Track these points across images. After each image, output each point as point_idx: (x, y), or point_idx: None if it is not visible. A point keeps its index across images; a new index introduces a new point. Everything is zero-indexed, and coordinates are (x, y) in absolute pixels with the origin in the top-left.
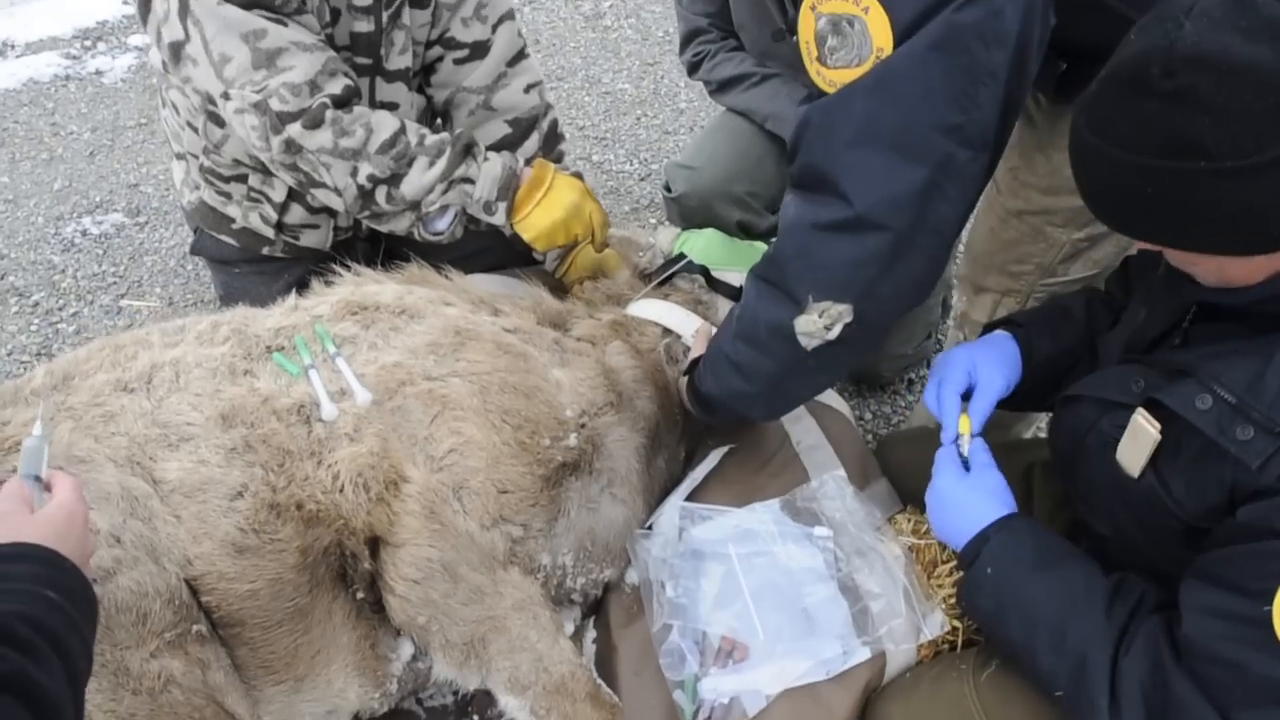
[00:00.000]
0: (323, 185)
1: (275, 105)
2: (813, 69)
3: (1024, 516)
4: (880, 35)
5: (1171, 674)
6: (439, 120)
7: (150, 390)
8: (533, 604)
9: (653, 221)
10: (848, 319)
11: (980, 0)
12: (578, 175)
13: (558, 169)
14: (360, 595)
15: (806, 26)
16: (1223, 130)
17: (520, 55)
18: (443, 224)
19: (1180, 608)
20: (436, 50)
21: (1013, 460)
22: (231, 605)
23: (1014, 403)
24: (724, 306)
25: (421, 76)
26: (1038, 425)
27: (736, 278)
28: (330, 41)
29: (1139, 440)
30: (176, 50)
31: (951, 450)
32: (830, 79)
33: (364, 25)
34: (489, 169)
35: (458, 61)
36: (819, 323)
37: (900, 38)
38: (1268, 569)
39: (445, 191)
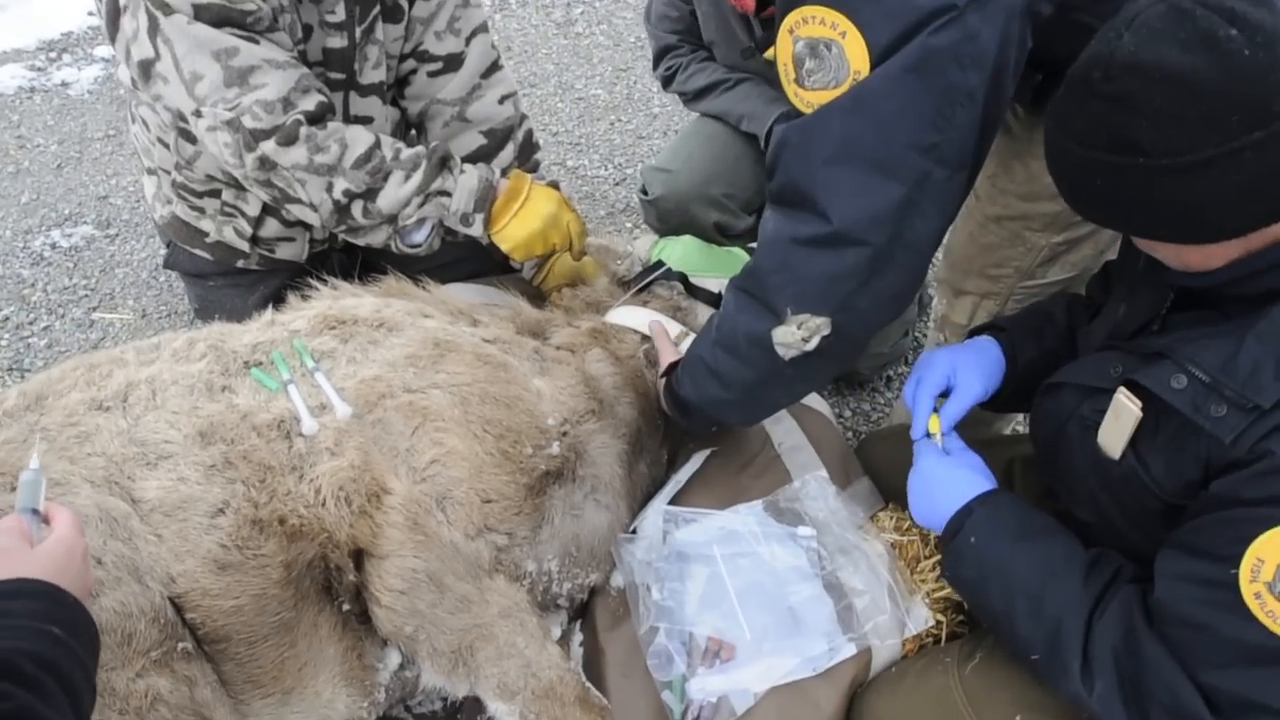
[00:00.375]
0: (298, 201)
1: (248, 123)
2: (790, 90)
3: (1006, 491)
4: (857, 59)
5: (1143, 638)
6: (413, 132)
7: (126, 409)
8: (519, 610)
9: (628, 226)
10: (825, 331)
11: (955, 24)
12: (554, 185)
13: (534, 179)
14: (346, 607)
15: (784, 49)
16: (1158, 132)
17: (494, 67)
18: (420, 236)
19: (1154, 577)
20: (410, 63)
21: (994, 456)
22: (216, 621)
23: (997, 404)
24: (703, 312)
25: (395, 89)
26: (1016, 422)
27: (715, 284)
28: (302, 58)
29: (1121, 419)
30: (146, 68)
31: (926, 441)
32: (808, 100)
33: (337, 41)
34: (465, 181)
35: (431, 74)
36: (797, 334)
37: (876, 61)
38: (1236, 535)
39: (422, 205)
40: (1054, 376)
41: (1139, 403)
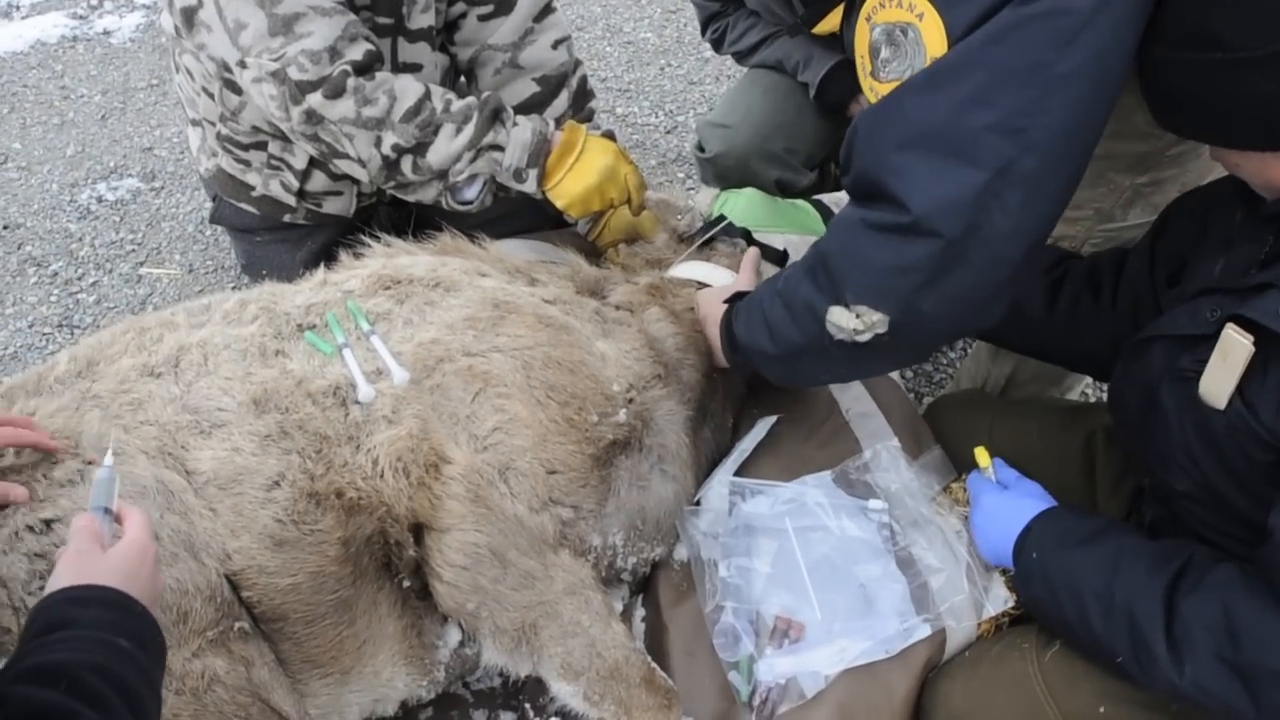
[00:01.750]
0: (345, 156)
1: (294, 74)
2: (866, 85)
3: (1064, 505)
4: (935, 43)
5: (1244, 609)
6: (463, 79)
7: (178, 374)
8: (584, 587)
9: (681, 176)
10: (880, 329)
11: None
12: (609, 135)
13: (589, 130)
14: (406, 584)
15: (861, 40)
16: (1239, 22)
17: (547, 9)
18: (471, 193)
19: (1267, 538)
20: (460, 6)
21: (1073, 427)
22: (273, 600)
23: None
24: (767, 270)
25: (444, 34)
26: (1086, 385)
27: (779, 240)
28: (349, 3)
29: (1230, 359)
30: (189, 15)
31: (979, 476)
32: (883, 94)
33: None
34: (518, 134)
35: (482, 18)
36: (852, 322)
37: (955, 43)
38: None
39: (474, 160)
40: (1141, 334)
41: (1251, 336)
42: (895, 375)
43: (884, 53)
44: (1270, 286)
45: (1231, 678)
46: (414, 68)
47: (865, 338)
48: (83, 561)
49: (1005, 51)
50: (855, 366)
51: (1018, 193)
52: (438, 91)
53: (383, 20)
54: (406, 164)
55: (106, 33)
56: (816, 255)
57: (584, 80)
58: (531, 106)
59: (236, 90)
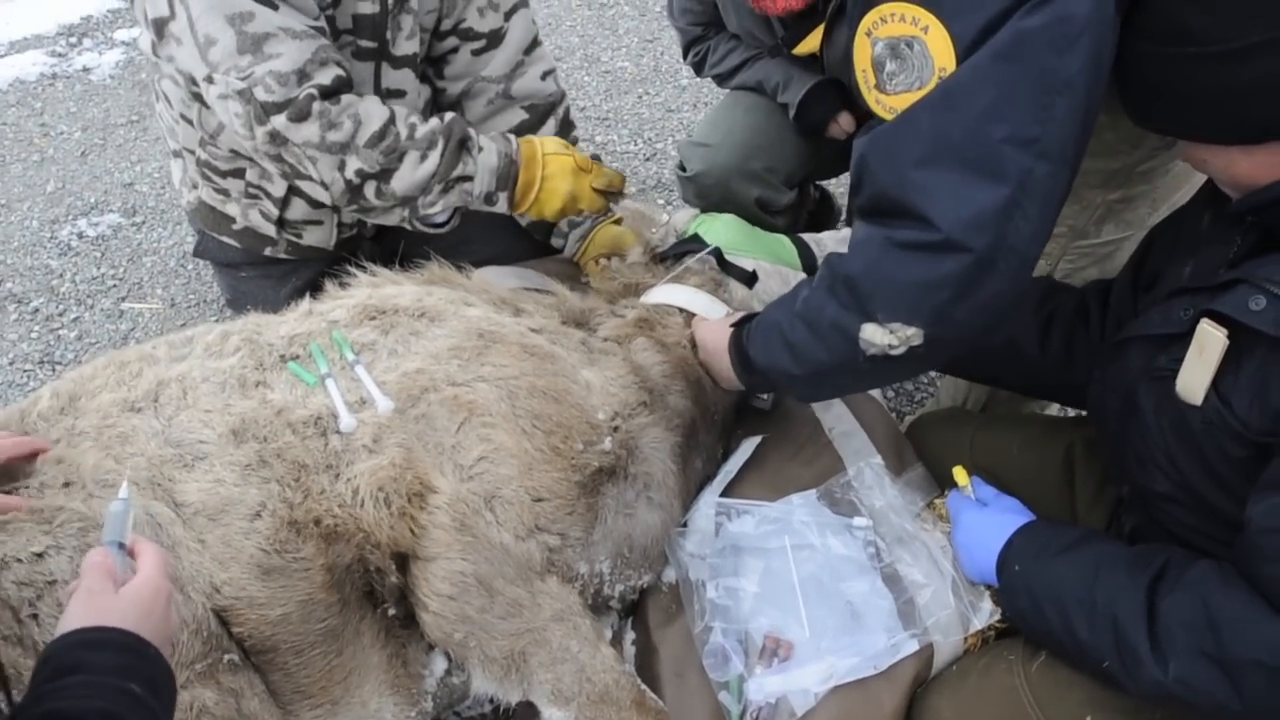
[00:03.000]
0: (309, 178)
1: (260, 95)
2: (871, 98)
3: (1043, 518)
4: (942, 55)
5: (1221, 603)
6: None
7: (158, 409)
8: (572, 614)
9: (660, 202)
10: (916, 343)
11: (1046, 5)
12: (596, 158)
13: (548, 150)
14: (391, 612)
15: (862, 54)
16: (1206, 17)
17: (535, 43)
18: (441, 218)
19: (1244, 529)
20: (451, 41)
21: (1052, 440)
22: (264, 631)
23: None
24: (737, 290)
25: (432, 68)
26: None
27: (750, 262)
28: (331, 24)
29: (1206, 353)
30: (161, 27)
31: (958, 495)
32: (891, 106)
33: (368, 7)
34: (485, 160)
35: (475, 52)
36: (886, 339)
37: (963, 55)
38: None
39: (444, 193)
40: (1118, 335)
41: (1224, 330)
42: (877, 394)
43: (889, 66)
44: (1241, 282)
45: (1215, 671)
46: (398, 94)
47: (900, 351)
48: (95, 601)
49: (1015, 64)
50: (885, 377)
51: (1037, 199)
52: (402, 115)
53: (365, 44)
54: (370, 189)
55: (86, 70)
56: (835, 277)
57: (568, 110)
58: (519, 132)
59: None
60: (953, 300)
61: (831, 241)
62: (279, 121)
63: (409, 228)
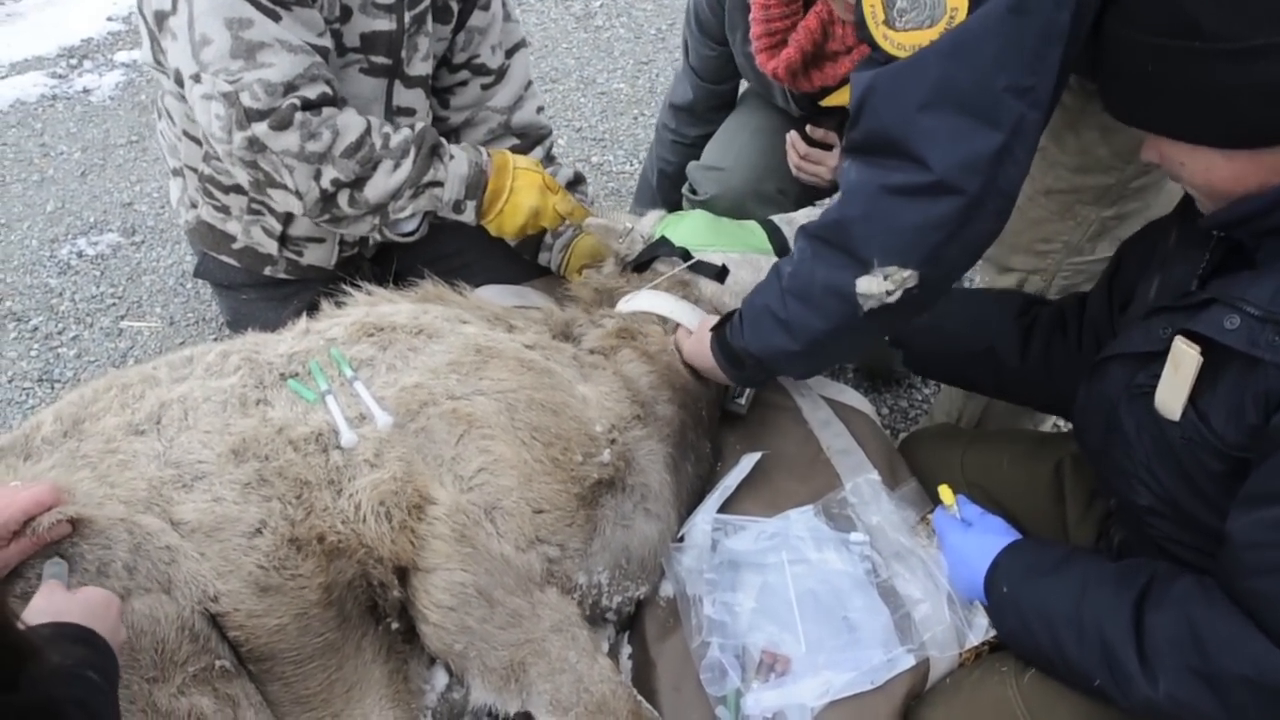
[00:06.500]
0: (282, 187)
1: (246, 100)
2: (879, 33)
3: (1030, 537)
4: None
5: (1205, 619)
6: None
7: (160, 431)
8: (571, 624)
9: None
10: (911, 284)
11: None
12: (579, 177)
13: (520, 165)
14: (395, 626)
15: None
16: (1219, 12)
17: (529, 83)
18: (410, 225)
19: (1225, 544)
20: (463, 74)
21: (1041, 456)
22: (260, 640)
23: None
24: (706, 286)
25: (436, 99)
26: (1056, 418)
27: (718, 257)
28: (336, 38)
29: (1181, 370)
30: (161, 20)
31: (944, 514)
32: (899, 42)
33: (384, 24)
34: (455, 168)
35: (484, 86)
36: (883, 286)
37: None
38: None
39: (414, 198)
40: (1101, 354)
41: (1198, 347)
42: (874, 413)
43: (900, 3)
44: (1215, 301)
45: (1202, 687)
46: (408, 112)
47: (896, 297)
48: (54, 597)
49: (1022, 16)
50: (881, 330)
51: (1025, 145)
52: (378, 125)
53: (379, 60)
54: (343, 198)
55: (86, 91)
56: (827, 230)
57: (553, 145)
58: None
59: None
60: (946, 240)
61: (803, 218)
62: (260, 129)
63: (378, 237)
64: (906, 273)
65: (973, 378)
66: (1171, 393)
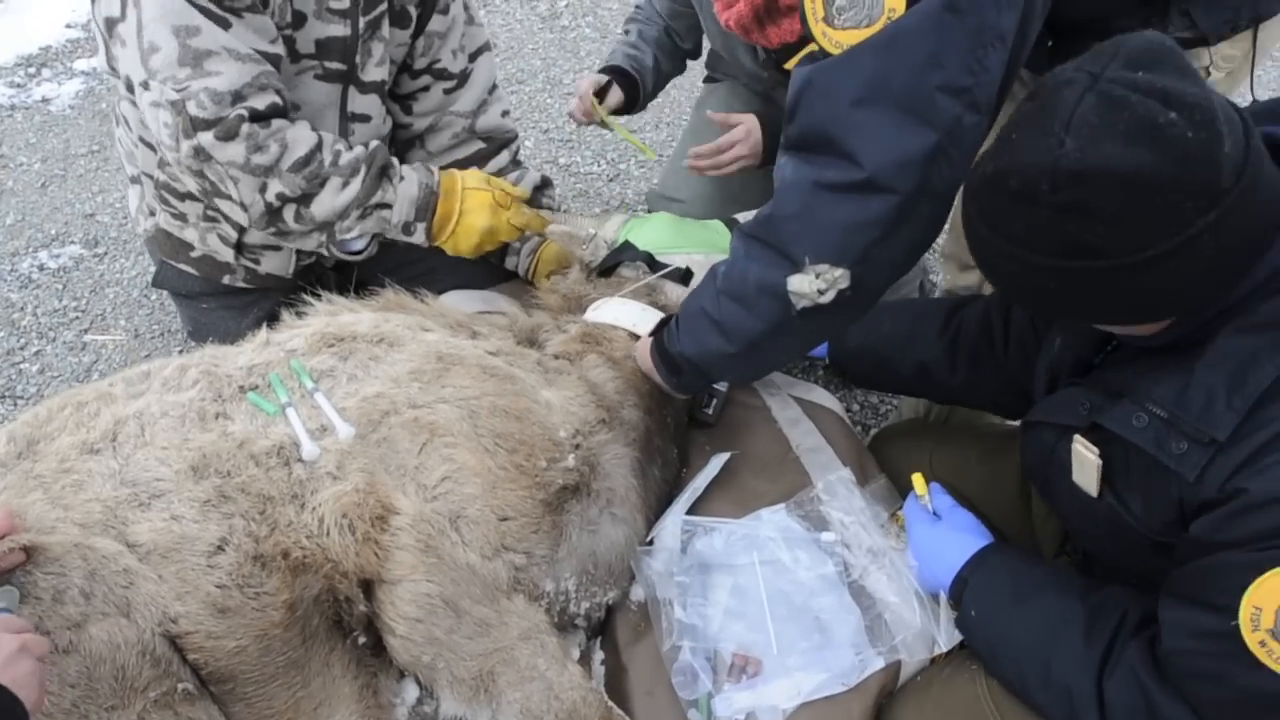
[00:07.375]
0: (227, 197)
1: (192, 109)
2: (818, 30)
3: (999, 548)
4: None
5: (1157, 695)
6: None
7: (116, 449)
8: (539, 632)
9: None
10: (843, 285)
11: None
12: (546, 181)
13: (469, 185)
14: (361, 640)
15: None
16: (1115, 234)
17: (494, 86)
18: (359, 245)
19: (1160, 627)
20: (424, 79)
21: (1009, 452)
22: (220, 661)
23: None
24: (670, 289)
25: (399, 105)
26: None
27: (682, 259)
28: (290, 44)
29: (1084, 467)
30: (111, 26)
31: (914, 504)
32: (837, 40)
33: (338, 29)
34: (405, 190)
35: (447, 91)
36: (814, 284)
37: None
38: (1228, 584)
39: (362, 218)
40: (1031, 414)
41: (1096, 450)
42: (843, 411)
43: (840, 1)
44: (1124, 396)
45: None
46: (363, 118)
47: (829, 297)
48: None
49: (959, 15)
50: (817, 334)
51: (961, 148)
52: (329, 141)
53: (333, 65)
54: (289, 213)
55: (45, 100)
56: (760, 229)
57: (519, 149)
58: (475, 161)
59: None
60: (879, 241)
61: None
62: (205, 138)
63: (326, 254)
64: (838, 272)
65: (918, 392)
66: (1083, 480)
